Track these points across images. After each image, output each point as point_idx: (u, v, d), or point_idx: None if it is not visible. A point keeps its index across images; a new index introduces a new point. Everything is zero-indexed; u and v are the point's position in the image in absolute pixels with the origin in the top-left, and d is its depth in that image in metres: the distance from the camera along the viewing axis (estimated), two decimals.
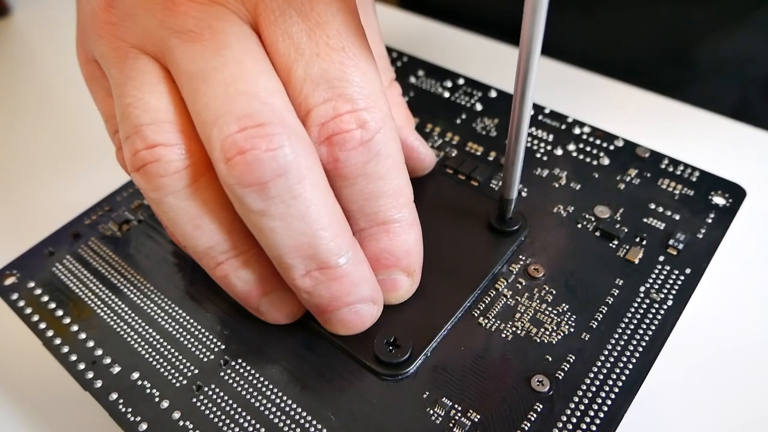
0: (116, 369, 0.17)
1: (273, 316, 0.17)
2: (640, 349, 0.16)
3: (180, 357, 0.17)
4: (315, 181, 0.14)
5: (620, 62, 0.30)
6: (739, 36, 0.31)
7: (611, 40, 0.33)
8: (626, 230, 0.19)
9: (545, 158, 0.21)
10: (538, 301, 0.17)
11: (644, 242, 0.19)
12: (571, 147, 0.22)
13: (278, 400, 0.16)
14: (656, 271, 0.18)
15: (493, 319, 0.17)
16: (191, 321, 0.18)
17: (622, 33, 0.33)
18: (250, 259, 0.16)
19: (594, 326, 0.17)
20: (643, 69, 0.30)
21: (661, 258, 0.18)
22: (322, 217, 0.14)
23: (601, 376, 0.16)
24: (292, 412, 0.16)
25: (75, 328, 0.18)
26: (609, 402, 0.15)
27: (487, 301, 0.18)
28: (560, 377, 0.16)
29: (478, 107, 0.24)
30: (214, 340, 0.17)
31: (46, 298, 0.19)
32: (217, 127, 0.14)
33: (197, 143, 0.15)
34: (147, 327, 0.18)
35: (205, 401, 0.16)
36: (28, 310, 0.19)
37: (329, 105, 0.15)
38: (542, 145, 0.22)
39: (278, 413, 0.16)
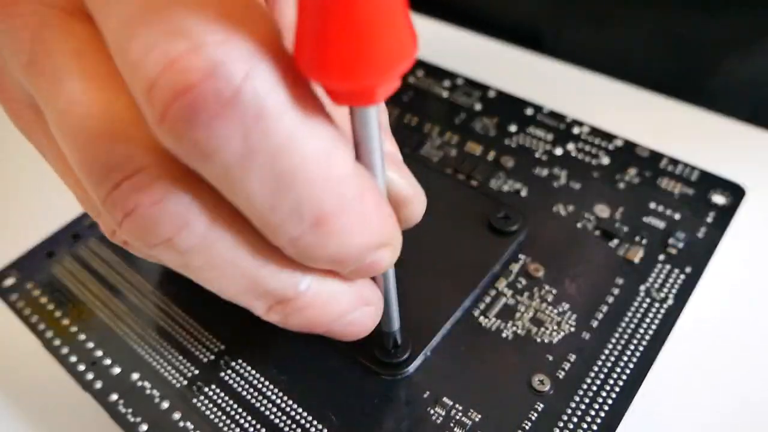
0: (116, 370, 0.17)
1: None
2: (641, 349, 0.16)
3: (180, 358, 0.17)
4: (224, 221, 0.11)
5: (628, 76, 0.30)
6: (753, 53, 0.31)
7: (619, 53, 0.33)
8: (626, 229, 0.19)
9: (545, 158, 0.21)
10: (538, 300, 0.17)
11: (644, 241, 0.19)
12: (571, 146, 0.22)
13: (278, 401, 0.16)
14: (656, 271, 0.18)
15: (494, 319, 0.17)
16: (191, 322, 0.18)
17: (635, 44, 0.33)
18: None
19: (594, 325, 0.17)
20: (651, 83, 0.30)
21: (661, 257, 0.18)
22: (256, 256, 0.12)
23: (602, 376, 0.16)
24: (293, 412, 0.16)
25: (75, 329, 0.18)
26: (609, 401, 0.15)
27: (487, 301, 0.18)
28: (561, 376, 0.16)
29: (477, 107, 0.24)
30: (214, 341, 0.17)
31: (45, 299, 0.19)
32: (90, 188, 0.11)
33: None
34: (147, 328, 0.18)
35: (206, 402, 0.16)
36: (28, 311, 0.19)
37: (154, 53, 0.09)
38: (541, 144, 0.22)
39: (278, 413, 0.16)
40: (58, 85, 0.11)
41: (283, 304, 0.13)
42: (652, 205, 0.20)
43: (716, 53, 0.31)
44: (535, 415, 0.15)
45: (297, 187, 0.10)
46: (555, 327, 0.17)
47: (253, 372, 0.17)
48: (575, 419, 0.15)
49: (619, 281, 0.18)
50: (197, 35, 0.09)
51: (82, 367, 0.17)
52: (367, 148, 0.11)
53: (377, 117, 0.11)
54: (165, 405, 0.16)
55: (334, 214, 0.11)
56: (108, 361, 0.17)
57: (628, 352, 0.16)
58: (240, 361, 0.17)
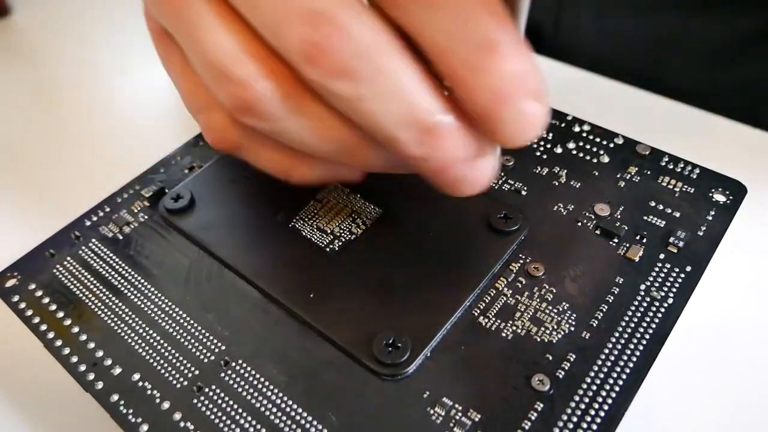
0: (117, 370, 0.17)
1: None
2: (641, 348, 0.16)
3: (181, 358, 0.17)
4: (395, 53, 0.14)
5: (625, 73, 0.30)
6: (751, 54, 0.31)
7: (618, 49, 0.33)
8: (626, 228, 0.19)
9: (544, 156, 0.21)
10: (538, 300, 0.17)
11: (644, 240, 0.19)
12: (571, 145, 0.22)
13: (279, 401, 0.16)
14: (657, 269, 0.18)
15: (493, 318, 0.17)
16: (192, 322, 0.18)
17: (629, 43, 0.33)
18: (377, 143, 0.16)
19: (594, 325, 0.17)
20: (647, 79, 0.30)
21: (662, 256, 0.18)
22: (414, 83, 0.14)
23: (602, 375, 0.16)
24: (293, 413, 0.16)
25: (76, 329, 0.18)
26: (610, 401, 0.15)
27: (487, 300, 0.18)
28: (561, 376, 0.16)
29: None
30: (215, 341, 0.17)
31: (46, 300, 0.19)
32: (287, 32, 0.14)
33: (284, 62, 0.15)
34: (148, 328, 0.18)
35: (206, 402, 0.16)
36: (29, 312, 0.19)
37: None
38: (541, 143, 0.22)
39: (279, 413, 0.16)
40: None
41: (428, 134, 0.15)
42: (653, 204, 0.20)
43: (715, 53, 0.31)
44: (535, 414, 0.15)
45: None
46: (555, 326, 0.17)
47: (253, 372, 0.17)
48: (575, 419, 0.15)
49: (620, 280, 0.18)
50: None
51: (83, 368, 0.17)
52: None
53: None
54: (165, 405, 0.16)
55: (504, 43, 0.13)
56: (109, 362, 0.17)
57: (628, 352, 0.16)
58: (240, 361, 0.17)
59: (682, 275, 0.18)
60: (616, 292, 0.17)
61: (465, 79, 0.14)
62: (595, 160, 0.21)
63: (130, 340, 0.18)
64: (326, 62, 0.14)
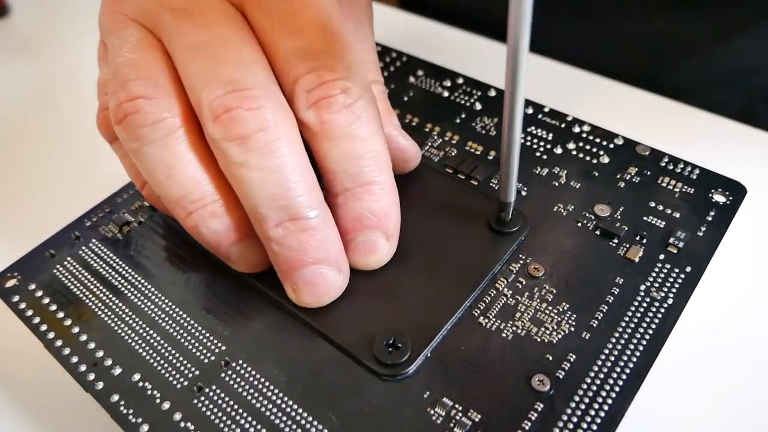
0: (117, 370, 0.17)
1: (242, 264, 0.18)
2: (641, 348, 0.16)
3: (181, 358, 0.17)
4: (290, 141, 0.16)
5: (621, 71, 0.30)
6: (742, 46, 0.31)
7: (612, 48, 0.33)
8: (626, 229, 0.19)
9: (545, 157, 0.21)
10: (538, 300, 0.17)
11: (644, 241, 0.19)
12: (571, 145, 0.22)
13: (279, 401, 0.16)
14: (656, 270, 0.18)
15: (494, 319, 0.17)
16: (192, 322, 0.18)
17: (623, 41, 0.33)
18: (218, 210, 0.17)
19: (594, 325, 0.17)
20: (644, 77, 0.30)
21: (662, 256, 0.18)
22: (296, 173, 0.16)
23: (602, 375, 0.16)
24: (293, 413, 0.16)
25: (76, 329, 0.18)
26: (610, 401, 0.15)
27: (487, 301, 0.18)
28: (561, 376, 0.16)
29: (478, 106, 0.24)
30: (215, 341, 0.17)
31: (47, 300, 0.19)
32: (206, 91, 0.16)
33: (177, 99, 0.17)
34: (148, 328, 0.18)
35: (207, 402, 0.16)
36: (29, 312, 0.19)
37: (315, 74, 0.16)
38: (542, 143, 0.22)
39: (279, 414, 0.16)
40: (206, 28, 0.16)
41: (293, 221, 0.16)
42: (653, 204, 0.20)
43: (703, 44, 0.31)
44: (535, 415, 0.15)
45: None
46: (555, 327, 0.17)
47: (254, 372, 0.17)
48: (575, 419, 0.15)
49: (620, 281, 0.18)
50: (339, 72, 0.17)
51: (83, 368, 0.17)
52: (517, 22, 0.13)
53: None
54: (166, 405, 0.16)
55: (379, 182, 0.17)
56: (109, 362, 0.17)
57: (628, 352, 0.16)
58: (240, 361, 0.17)
59: (682, 276, 0.18)
60: (616, 292, 0.17)
61: (342, 199, 0.17)
62: (595, 161, 0.21)
63: (130, 341, 0.18)
64: (226, 123, 0.16)
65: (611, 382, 0.16)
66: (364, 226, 0.17)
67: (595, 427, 0.15)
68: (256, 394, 0.16)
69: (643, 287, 0.17)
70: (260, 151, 0.16)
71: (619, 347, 0.16)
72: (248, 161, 0.16)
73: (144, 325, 0.18)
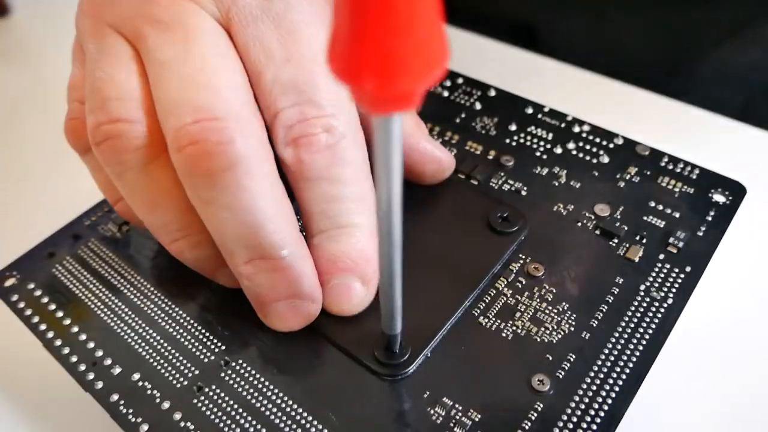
0: (117, 370, 0.17)
1: (231, 284, 0.18)
2: (641, 348, 0.16)
3: (181, 358, 0.17)
4: (263, 175, 0.15)
5: (622, 68, 0.30)
6: (744, 44, 0.31)
7: (613, 46, 0.33)
8: (626, 228, 0.19)
9: (545, 156, 0.21)
10: (538, 300, 0.17)
11: (644, 240, 0.19)
12: (571, 145, 0.22)
13: (279, 401, 0.16)
14: (656, 270, 0.18)
15: (493, 319, 0.17)
16: (192, 322, 0.18)
17: (624, 39, 0.33)
18: (203, 241, 0.16)
19: (594, 325, 0.17)
20: (644, 74, 0.30)
21: (662, 256, 0.18)
22: (267, 210, 0.15)
23: (602, 375, 0.16)
24: (293, 413, 0.16)
25: (75, 329, 0.18)
26: (609, 401, 0.15)
27: (487, 301, 0.18)
28: (560, 376, 0.16)
29: (477, 106, 0.24)
30: (215, 341, 0.17)
31: (46, 300, 0.19)
32: (174, 116, 0.14)
33: (159, 123, 0.15)
34: (147, 328, 0.18)
35: (206, 402, 0.16)
36: (29, 312, 0.19)
37: (297, 109, 0.15)
38: (541, 143, 0.22)
39: (279, 413, 0.16)
40: (184, 45, 0.15)
41: (263, 260, 0.15)
42: (653, 204, 0.20)
43: (703, 42, 0.31)
44: (535, 415, 0.15)
45: None
46: (555, 327, 0.17)
47: (254, 372, 0.17)
48: (575, 419, 0.15)
49: (619, 280, 0.18)
50: (323, 109, 0.15)
51: (82, 368, 0.17)
52: (387, 157, 0.11)
53: (400, 127, 0.11)
54: (166, 405, 0.16)
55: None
56: (109, 362, 0.17)
57: (628, 352, 0.16)
58: (240, 361, 0.17)
59: (682, 275, 0.18)
60: (615, 292, 0.17)
61: (318, 240, 0.16)
62: (594, 161, 0.21)
63: (129, 340, 0.18)
64: (192, 156, 0.14)
65: (611, 381, 0.16)
66: (338, 269, 0.16)
67: (594, 427, 0.15)
68: (256, 394, 0.16)
69: (642, 287, 0.17)
70: (228, 190, 0.14)
71: (619, 347, 0.16)
72: (215, 199, 0.15)
73: (144, 325, 0.18)
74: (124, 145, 0.15)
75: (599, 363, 0.16)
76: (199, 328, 0.18)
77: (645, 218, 0.19)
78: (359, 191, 0.16)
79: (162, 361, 0.17)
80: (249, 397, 0.16)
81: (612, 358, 0.16)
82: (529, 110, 0.23)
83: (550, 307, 0.17)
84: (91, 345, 0.18)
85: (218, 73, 0.15)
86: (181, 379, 0.17)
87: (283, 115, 0.15)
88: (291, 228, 0.16)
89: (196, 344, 0.17)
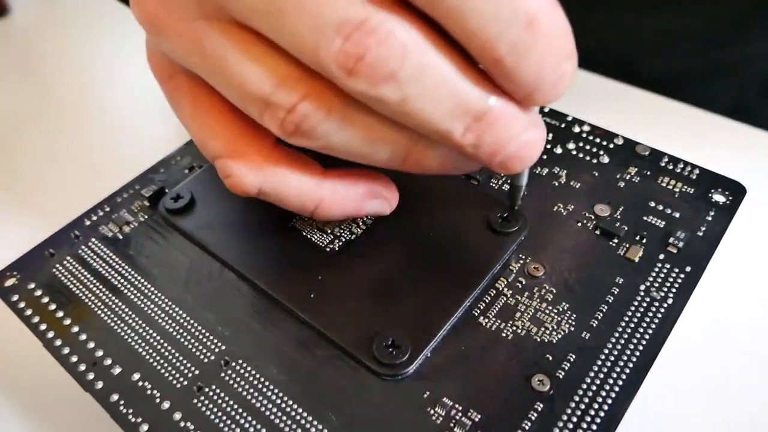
0: (117, 370, 0.17)
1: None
2: (641, 348, 0.16)
3: (181, 358, 0.17)
4: (434, 46, 0.14)
5: (618, 68, 0.30)
6: (736, 39, 0.31)
7: (609, 46, 0.33)
8: (626, 228, 0.19)
9: (545, 157, 0.21)
10: (538, 300, 0.17)
11: (644, 240, 0.19)
12: (571, 145, 0.22)
13: (279, 401, 0.16)
14: (656, 270, 0.18)
15: (494, 319, 0.17)
16: (192, 322, 0.18)
17: (616, 36, 0.33)
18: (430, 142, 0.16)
19: (594, 325, 0.17)
20: (637, 69, 0.30)
21: (662, 256, 0.18)
22: (455, 74, 0.14)
23: (602, 375, 0.16)
24: (293, 413, 0.16)
25: (75, 329, 0.18)
26: (609, 401, 0.15)
27: (487, 301, 0.18)
28: (561, 376, 0.16)
29: None
30: (215, 341, 0.17)
31: (46, 300, 0.19)
32: (322, 50, 0.14)
33: (320, 77, 0.15)
34: (148, 328, 0.18)
35: (206, 402, 0.16)
36: (29, 312, 0.19)
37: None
38: None
39: (279, 413, 0.16)
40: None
41: (479, 120, 0.15)
42: (653, 204, 0.20)
43: (697, 38, 0.31)
44: (535, 415, 0.15)
45: None
46: (555, 327, 0.17)
47: (253, 372, 0.17)
48: (575, 419, 0.15)
49: (619, 280, 0.18)
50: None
51: (82, 368, 0.17)
52: None
53: None
54: (166, 405, 0.16)
55: (541, 12, 0.13)
56: (109, 362, 0.17)
57: (628, 352, 0.16)
58: (240, 361, 0.17)
59: (682, 275, 0.18)
60: (615, 292, 0.17)
61: (512, 61, 0.14)
62: (595, 161, 0.21)
63: (130, 340, 0.18)
64: (366, 71, 0.14)
65: (611, 381, 0.16)
66: (555, 59, 0.14)
67: (594, 427, 0.15)
68: (256, 394, 0.16)
69: (642, 287, 0.17)
70: (414, 77, 0.14)
71: (619, 347, 0.16)
72: (408, 94, 0.14)
73: (144, 325, 0.18)
74: (314, 120, 0.15)
75: (599, 363, 0.16)
76: (199, 328, 0.18)
77: (645, 218, 0.19)
78: None
79: (162, 361, 0.17)
80: (249, 397, 0.16)
81: (612, 358, 0.16)
82: None
83: (550, 307, 0.17)
84: (91, 345, 0.18)
85: None
86: (181, 379, 0.17)
87: None
88: (483, 78, 0.15)
89: (196, 344, 0.17)
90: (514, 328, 0.17)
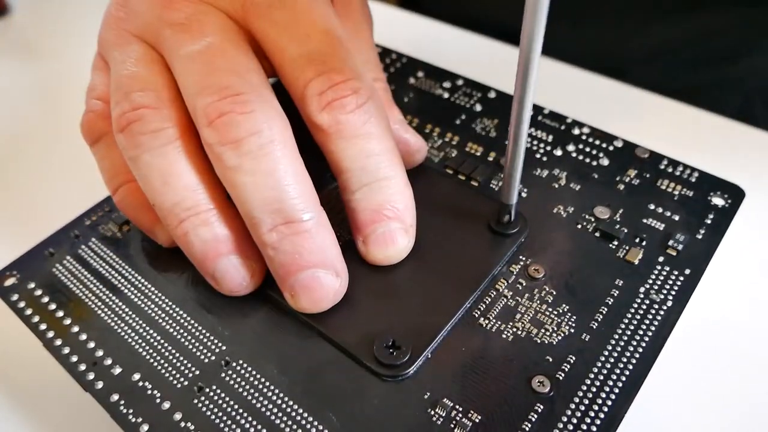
0: (117, 370, 0.17)
1: (226, 283, 0.18)
2: (640, 350, 0.16)
3: (181, 358, 0.17)
4: (284, 144, 0.16)
5: (620, 71, 0.30)
6: (740, 46, 0.31)
7: (611, 49, 0.33)
8: (626, 231, 0.19)
9: (545, 159, 0.21)
10: (538, 301, 0.18)
11: (644, 243, 0.19)
12: (571, 147, 0.22)
13: (279, 401, 0.16)
14: (656, 272, 0.18)
15: (494, 320, 0.17)
16: (192, 322, 0.18)
17: (622, 42, 0.33)
18: (210, 219, 0.17)
19: (594, 327, 0.17)
20: (642, 77, 0.30)
21: (661, 258, 0.18)
22: (289, 176, 0.16)
23: (602, 377, 0.16)
24: (293, 413, 0.16)
25: (75, 329, 0.18)
26: (609, 402, 0.15)
27: (487, 302, 0.18)
28: (560, 378, 0.16)
29: (478, 108, 0.24)
30: (215, 341, 0.17)
31: (46, 299, 0.19)
32: (201, 97, 0.16)
33: (177, 111, 0.17)
34: (148, 328, 0.18)
35: (207, 402, 0.16)
36: (29, 311, 0.19)
37: (324, 77, 0.17)
38: (541, 145, 0.22)
39: (279, 414, 0.16)
40: (202, 39, 0.17)
41: (287, 225, 0.16)
42: (652, 207, 0.20)
43: (703, 50, 0.32)
44: (535, 416, 0.15)
45: None
46: (555, 328, 0.17)
47: (254, 372, 0.17)
48: (575, 420, 0.15)
49: (619, 282, 0.18)
50: (347, 74, 0.17)
51: (82, 368, 0.17)
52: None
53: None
54: (166, 405, 0.16)
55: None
56: (109, 362, 0.17)
57: (628, 354, 0.16)
58: (241, 361, 0.17)
59: (681, 278, 0.18)
60: (615, 294, 0.17)
61: (361, 194, 0.17)
62: (594, 163, 0.21)
63: (130, 340, 0.18)
64: (219, 127, 0.16)
65: (611, 383, 0.16)
66: (384, 217, 0.18)
67: (594, 429, 0.15)
68: (256, 394, 0.16)
69: (642, 289, 0.18)
70: (253, 155, 0.16)
71: (619, 349, 0.16)
72: (241, 165, 0.16)
73: (144, 325, 0.18)
74: (143, 127, 0.17)
75: (599, 365, 0.16)
76: (199, 327, 0.18)
77: (644, 221, 0.19)
78: (389, 145, 0.18)
79: (162, 361, 0.17)
80: (249, 397, 0.16)
81: (612, 360, 0.16)
82: None
83: (551, 309, 0.17)
84: (91, 345, 0.18)
85: (235, 58, 0.17)
86: (182, 379, 0.17)
87: (313, 85, 0.17)
88: (312, 196, 0.17)
89: (196, 344, 0.17)
90: (515, 329, 0.17)
